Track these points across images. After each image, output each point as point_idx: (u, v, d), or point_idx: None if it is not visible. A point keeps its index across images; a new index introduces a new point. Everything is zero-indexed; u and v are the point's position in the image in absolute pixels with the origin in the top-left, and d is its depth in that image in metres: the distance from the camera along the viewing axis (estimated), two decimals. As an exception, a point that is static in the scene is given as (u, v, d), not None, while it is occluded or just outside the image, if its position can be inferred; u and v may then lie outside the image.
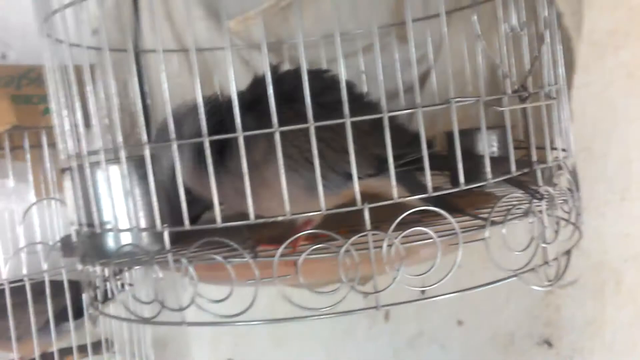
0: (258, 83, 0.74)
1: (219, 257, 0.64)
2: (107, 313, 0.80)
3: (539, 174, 0.70)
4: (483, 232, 0.66)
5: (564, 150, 0.78)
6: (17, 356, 1.09)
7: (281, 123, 0.61)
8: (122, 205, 0.71)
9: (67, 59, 0.72)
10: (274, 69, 0.76)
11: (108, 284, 0.78)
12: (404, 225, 0.63)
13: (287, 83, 0.71)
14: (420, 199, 0.65)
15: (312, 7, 1.08)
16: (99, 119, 0.72)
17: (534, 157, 0.70)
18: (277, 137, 0.62)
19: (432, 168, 0.86)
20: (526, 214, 0.68)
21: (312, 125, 0.62)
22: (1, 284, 1.05)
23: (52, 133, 1.06)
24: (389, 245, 0.62)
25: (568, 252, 0.72)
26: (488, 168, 0.66)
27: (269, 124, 0.62)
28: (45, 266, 1.06)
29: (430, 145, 0.75)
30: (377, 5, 1.05)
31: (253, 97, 0.71)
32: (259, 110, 0.66)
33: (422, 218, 0.66)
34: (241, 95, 0.65)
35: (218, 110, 0.70)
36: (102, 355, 1.19)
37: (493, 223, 0.66)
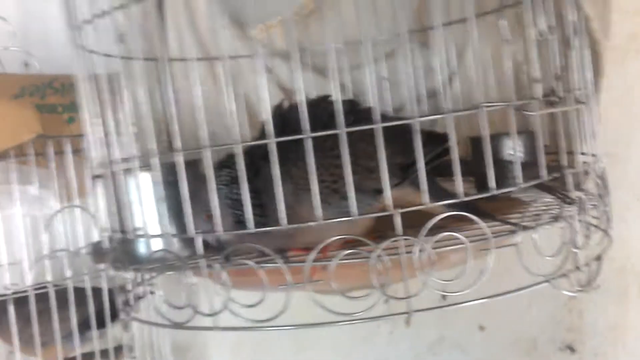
0: (279, 115, 0.75)
1: (251, 262, 0.65)
2: (139, 318, 0.80)
3: (569, 179, 0.70)
4: (513, 237, 0.66)
5: (593, 155, 0.78)
6: (40, 361, 1.10)
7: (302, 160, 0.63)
8: (153, 212, 0.71)
9: (99, 68, 0.72)
10: (280, 107, 0.77)
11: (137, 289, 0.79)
12: (431, 231, 0.63)
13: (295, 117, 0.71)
14: (445, 204, 0.65)
15: (333, 14, 1.08)
16: (129, 127, 0.73)
17: (564, 162, 0.70)
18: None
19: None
20: (557, 219, 0.68)
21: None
22: (25, 291, 1.06)
23: (76, 141, 1.08)
24: (421, 251, 0.62)
25: (599, 258, 0.72)
26: (519, 173, 0.66)
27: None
28: (69, 273, 1.06)
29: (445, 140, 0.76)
30: (398, 12, 1.05)
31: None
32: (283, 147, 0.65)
33: (448, 224, 0.66)
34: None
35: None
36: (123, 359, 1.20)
37: (524, 228, 0.66)
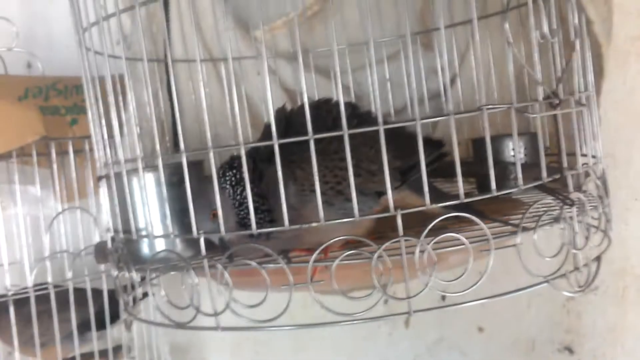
0: (283, 118, 0.75)
1: (254, 263, 0.65)
2: (141, 318, 0.81)
3: (569, 181, 0.70)
4: (513, 238, 0.67)
5: (593, 156, 0.79)
6: (40, 361, 1.10)
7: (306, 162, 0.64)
8: (157, 212, 0.72)
9: (104, 70, 0.73)
10: (283, 109, 0.78)
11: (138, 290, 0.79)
12: (432, 232, 0.63)
13: (298, 120, 0.71)
14: (446, 206, 0.66)
15: (336, 16, 1.09)
16: (133, 128, 0.74)
17: (565, 164, 0.70)
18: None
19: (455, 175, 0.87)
20: (557, 220, 0.69)
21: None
22: (26, 291, 1.06)
23: (79, 143, 1.09)
24: (421, 251, 0.63)
25: (598, 258, 0.72)
26: (520, 174, 0.67)
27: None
28: (69, 274, 1.07)
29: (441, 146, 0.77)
30: (402, 14, 1.06)
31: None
32: (286, 149, 0.66)
33: (448, 225, 0.67)
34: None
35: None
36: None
37: (524, 229, 0.67)
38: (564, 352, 1.22)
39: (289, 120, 0.74)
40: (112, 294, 1.10)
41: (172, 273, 0.72)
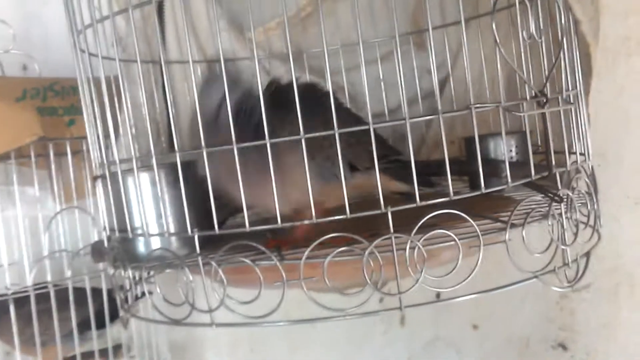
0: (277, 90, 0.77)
1: (247, 260, 0.66)
2: (138, 315, 0.82)
3: (557, 178, 0.71)
4: (503, 234, 0.68)
5: (581, 154, 0.80)
6: (40, 360, 1.11)
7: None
8: (152, 211, 0.73)
9: (99, 71, 0.74)
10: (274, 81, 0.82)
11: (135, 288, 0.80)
12: (423, 228, 0.65)
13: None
14: (435, 204, 0.67)
15: (330, 17, 1.10)
16: (128, 129, 0.75)
17: (552, 161, 0.72)
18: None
19: (451, 173, 0.88)
20: (545, 216, 0.70)
21: (336, 132, 0.64)
22: (26, 291, 1.07)
23: (76, 143, 1.10)
24: (412, 248, 0.64)
25: (587, 254, 0.73)
26: (507, 172, 0.68)
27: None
28: (68, 273, 1.08)
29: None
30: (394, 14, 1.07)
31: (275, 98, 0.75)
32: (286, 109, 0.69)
33: (440, 223, 0.68)
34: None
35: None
36: (122, 359, 1.21)
37: (513, 225, 0.68)
38: (558, 349, 1.23)
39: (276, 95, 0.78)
40: (112, 293, 1.10)
41: (168, 271, 0.73)
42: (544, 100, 0.70)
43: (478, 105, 0.66)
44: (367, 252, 0.64)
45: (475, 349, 1.28)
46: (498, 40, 0.68)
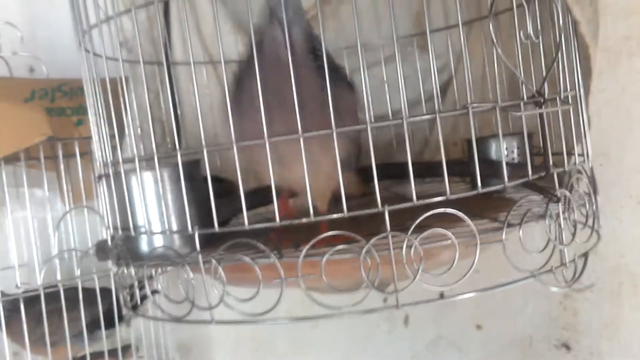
0: None
1: (246, 258, 0.67)
2: (141, 314, 0.83)
3: (555, 178, 0.72)
4: (500, 234, 0.68)
5: (580, 155, 0.80)
6: (50, 360, 1.12)
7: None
8: (155, 210, 0.74)
9: (104, 72, 0.75)
10: None
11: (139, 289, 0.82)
12: (424, 228, 0.65)
13: None
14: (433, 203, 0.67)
15: (334, 19, 1.11)
16: (133, 129, 0.76)
17: (550, 162, 0.72)
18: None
19: (453, 174, 0.89)
20: (543, 216, 0.70)
21: (334, 131, 0.65)
22: (36, 290, 1.08)
23: (84, 143, 1.11)
24: (409, 247, 0.65)
25: (585, 254, 0.74)
26: (505, 172, 0.69)
27: None
28: (78, 272, 1.09)
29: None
30: (398, 16, 1.08)
31: None
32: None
33: (440, 222, 0.68)
34: None
35: None
36: (131, 359, 1.23)
37: (510, 225, 0.68)
38: (561, 349, 1.23)
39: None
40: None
41: (170, 269, 0.74)
42: (542, 101, 0.70)
43: (475, 104, 0.67)
44: (364, 251, 0.64)
45: (478, 349, 1.29)
46: (495, 42, 0.69)
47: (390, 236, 0.64)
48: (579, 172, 0.79)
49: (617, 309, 1.17)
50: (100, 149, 0.80)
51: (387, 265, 0.65)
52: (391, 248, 0.64)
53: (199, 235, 0.69)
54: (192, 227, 0.69)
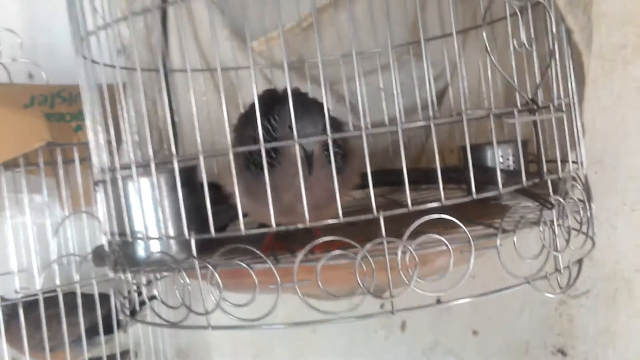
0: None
1: (242, 263, 0.68)
2: (137, 319, 0.83)
3: (549, 185, 0.73)
4: (494, 240, 0.69)
5: (574, 162, 0.81)
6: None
7: None
8: (152, 215, 0.75)
9: (101, 78, 0.76)
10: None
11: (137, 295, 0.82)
12: (419, 234, 0.66)
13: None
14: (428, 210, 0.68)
15: (331, 28, 1.12)
16: (130, 135, 0.77)
17: (544, 169, 0.73)
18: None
19: (450, 182, 0.90)
20: (537, 223, 0.71)
21: (329, 137, 0.66)
22: (35, 295, 1.09)
23: (83, 149, 1.11)
24: (404, 253, 0.65)
25: (580, 261, 0.75)
26: (499, 179, 0.69)
27: None
28: (77, 277, 1.09)
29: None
30: (394, 25, 1.09)
31: None
32: None
33: (436, 228, 0.69)
34: None
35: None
36: (129, 364, 1.23)
37: (504, 231, 0.69)
38: (557, 355, 1.23)
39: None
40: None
41: (166, 274, 0.75)
42: (535, 109, 0.71)
43: (470, 112, 0.67)
44: (359, 256, 0.65)
45: (475, 355, 1.29)
46: (490, 50, 0.69)
47: (385, 242, 0.64)
48: (574, 179, 0.80)
49: (613, 315, 1.18)
50: (97, 155, 0.80)
51: (383, 271, 0.66)
52: (386, 254, 0.65)
53: (196, 241, 0.70)
54: (188, 233, 0.69)
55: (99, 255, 0.84)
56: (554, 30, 0.75)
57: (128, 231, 0.75)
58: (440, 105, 1.13)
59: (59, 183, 1.14)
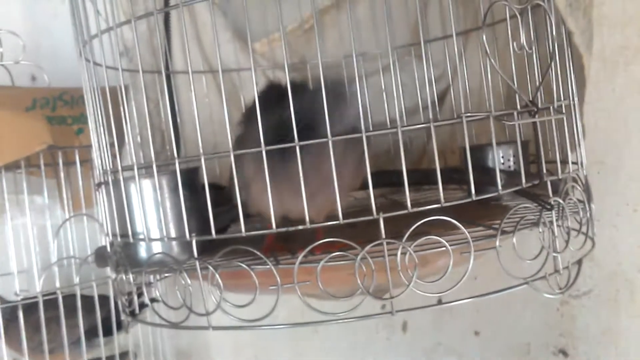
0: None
1: (243, 264, 0.68)
2: (139, 319, 0.84)
3: (549, 186, 0.73)
4: (494, 241, 0.69)
5: (574, 163, 0.81)
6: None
7: None
8: (153, 217, 0.75)
9: (104, 80, 0.76)
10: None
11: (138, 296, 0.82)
12: (419, 235, 0.66)
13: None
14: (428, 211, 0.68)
15: (333, 29, 1.12)
16: (133, 137, 0.77)
17: (544, 170, 0.73)
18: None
19: (451, 182, 0.90)
20: (536, 223, 0.71)
21: (330, 140, 0.66)
22: (35, 297, 1.09)
23: (84, 152, 1.12)
24: (403, 254, 0.65)
25: (579, 261, 0.75)
26: (498, 180, 0.69)
27: None
28: (77, 279, 1.10)
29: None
30: (396, 25, 1.09)
31: None
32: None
33: (436, 229, 0.69)
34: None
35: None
36: (129, 365, 1.24)
37: (504, 232, 0.69)
38: (559, 355, 1.23)
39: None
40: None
41: (168, 275, 0.75)
42: (535, 110, 0.71)
43: (469, 114, 0.68)
44: (359, 258, 0.65)
45: (476, 355, 1.29)
46: (489, 53, 0.70)
47: (385, 243, 0.65)
48: (574, 180, 0.80)
49: (615, 316, 1.18)
50: (100, 157, 0.81)
51: (383, 272, 0.66)
52: (386, 255, 0.65)
53: (197, 242, 0.70)
54: (190, 234, 0.70)
55: (101, 255, 0.85)
56: (554, 32, 0.75)
57: (130, 232, 0.76)
58: (442, 106, 1.13)
59: (60, 185, 1.15)
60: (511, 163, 0.95)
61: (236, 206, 0.71)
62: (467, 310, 1.26)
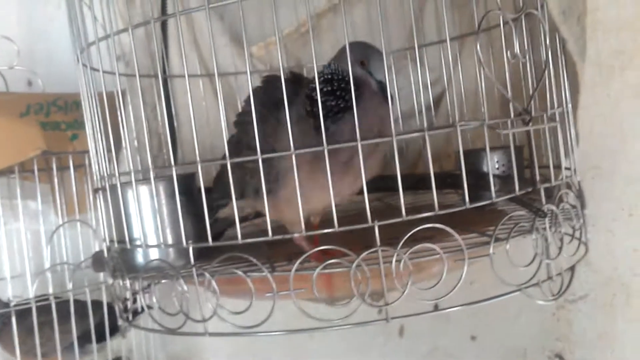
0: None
1: (239, 272, 0.68)
2: (136, 325, 0.84)
3: (542, 192, 0.73)
4: (487, 248, 0.69)
5: (567, 169, 0.81)
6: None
7: None
8: (150, 223, 0.75)
9: (101, 85, 0.76)
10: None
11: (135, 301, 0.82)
12: (414, 241, 0.66)
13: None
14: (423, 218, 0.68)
15: (330, 33, 1.12)
16: (130, 142, 0.77)
17: (537, 176, 0.73)
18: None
19: (446, 186, 0.90)
20: (530, 231, 0.71)
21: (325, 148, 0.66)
22: (28, 302, 1.09)
23: (79, 158, 1.12)
24: (398, 261, 0.66)
25: (572, 268, 0.75)
26: (492, 186, 0.70)
27: None
28: (70, 285, 1.10)
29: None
30: (393, 30, 1.09)
31: None
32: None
33: (431, 236, 0.69)
34: None
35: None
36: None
37: (497, 239, 0.69)
38: (555, 360, 1.24)
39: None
40: (112, 306, 1.12)
41: (164, 281, 0.75)
42: (528, 118, 0.71)
43: (462, 122, 0.68)
44: (354, 265, 0.65)
45: (473, 360, 1.29)
46: (483, 60, 0.70)
47: (380, 251, 0.65)
48: (567, 186, 0.80)
49: (611, 320, 1.18)
50: (97, 162, 0.81)
51: (378, 278, 0.66)
52: (381, 262, 0.65)
53: (193, 249, 0.70)
54: (186, 241, 0.70)
55: (98, 260, 0.85)
56: (548, 40, 0.75)
57: (127, 238, 0.76)
58: (438, 110, 1.14)
59: (54, 190, 1.14)
60: (505, 168, 0.95)
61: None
62: (464, 315, 1.26)
